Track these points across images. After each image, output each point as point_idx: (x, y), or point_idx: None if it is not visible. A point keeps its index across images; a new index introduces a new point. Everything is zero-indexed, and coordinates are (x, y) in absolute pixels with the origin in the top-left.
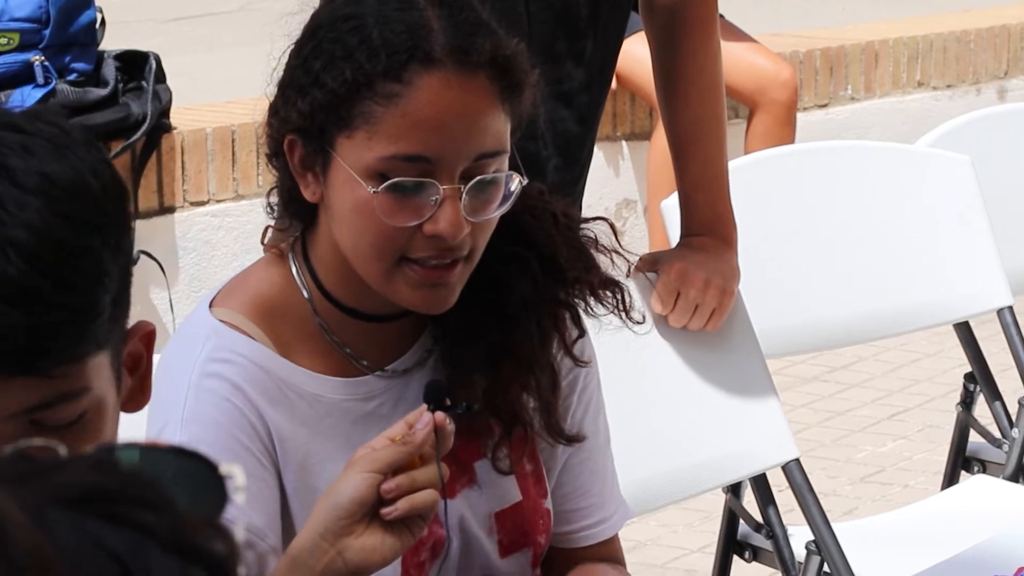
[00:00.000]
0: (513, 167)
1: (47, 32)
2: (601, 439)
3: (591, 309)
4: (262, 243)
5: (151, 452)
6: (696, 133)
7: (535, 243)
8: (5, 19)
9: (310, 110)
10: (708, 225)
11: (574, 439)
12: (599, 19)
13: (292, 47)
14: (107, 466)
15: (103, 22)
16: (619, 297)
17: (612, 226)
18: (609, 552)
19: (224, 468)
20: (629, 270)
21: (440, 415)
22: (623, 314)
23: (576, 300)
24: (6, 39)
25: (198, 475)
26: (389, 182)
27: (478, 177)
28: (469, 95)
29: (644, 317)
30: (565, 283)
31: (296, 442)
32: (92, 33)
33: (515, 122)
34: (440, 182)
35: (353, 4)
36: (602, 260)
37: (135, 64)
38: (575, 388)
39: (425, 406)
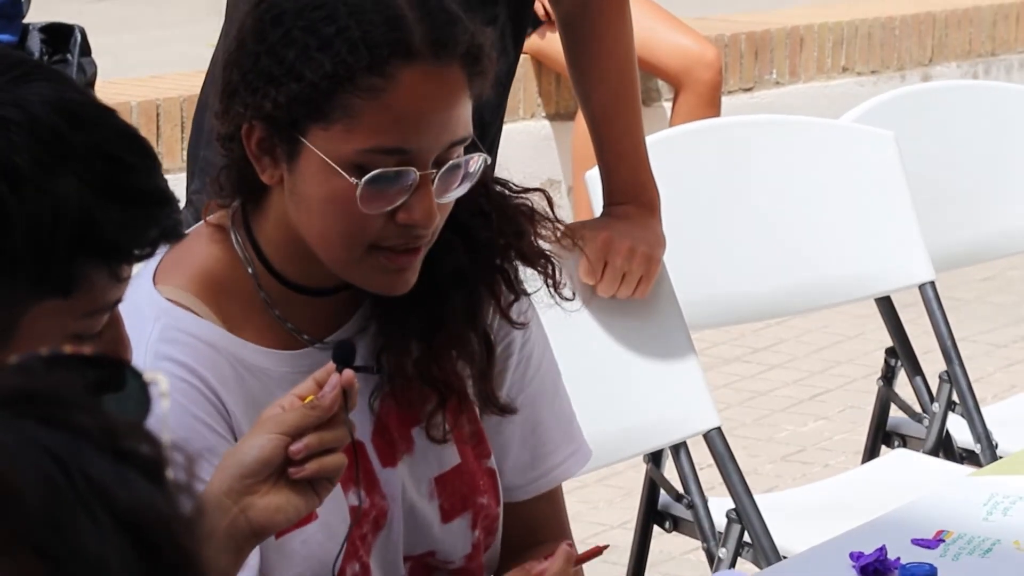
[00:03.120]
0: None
1: None
2: (546, 394)
3: (522, 285)
4: (204, 219)
5: (75, 359)
6: (615, 104)
7: (468, 211)
8: None
9: (287, 102)
10: (631, 193)
11: (507, 409)
12: None
13: (249, 30)
14: (34, 371)
15: None
16: (550, 271)
17: (548, 197)
18: (553, 509)
19: (147, 375)
20: (574, 241)
21: (348, 373)
22: (553, 289)
23: (509, 266)
24: None
25: (122, 379)
26: (374, 173)
27: (450, 162)
28: (445, 86)
29: (574, 294)
30: (497, 248)
31: (249, 417)
32: (17, 5)
33: (475, 103)
34: (416, 170)
35: None
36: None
37: (60, 37)
38: (514, 349)
39: (333, 365)
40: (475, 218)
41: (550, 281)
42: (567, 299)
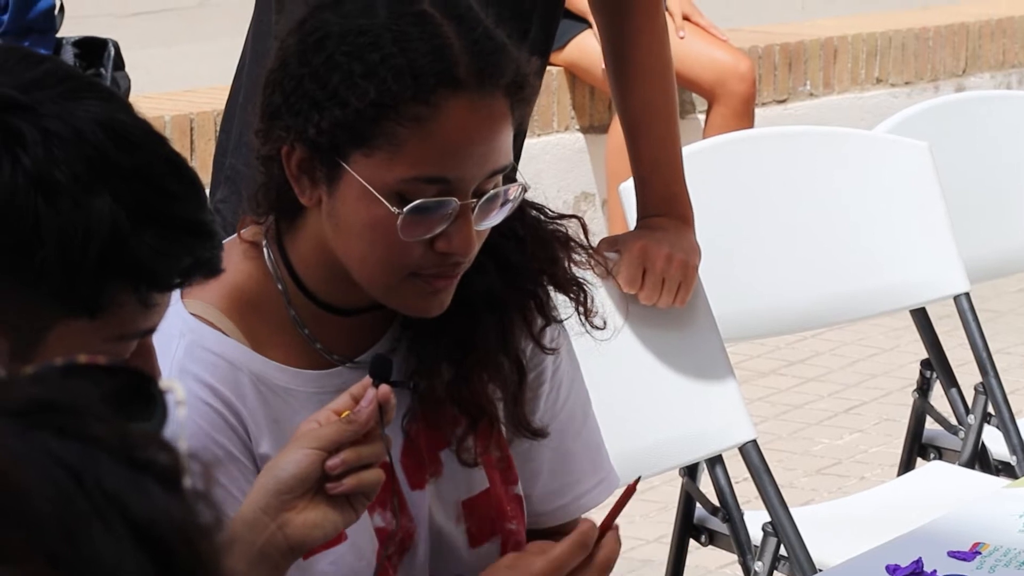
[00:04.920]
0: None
1: (5, 18)
2: (575, 422)
3: (553, 311)
4: (238, 235)
5: (91, 369)
6: (647, 115)
7: (501, 234)
8: None
9: (330, 127)
10: (665, 205)
11: (539, 433)
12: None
13: (292, 50)
14: (50, 381)
15: (61, 8)
16: (582, 299)
17: (583, 225)
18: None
19: (164, 383)
20: (608, 270)
21: (384, 388)
22: (584, 317)
23: (541, 291)
24: None
25: (138, 386)
26: (414, 204)
27: (490, 192)
28: (489, 116)
29: (604, 322)
30: (529, 273)
31: (272, 437)
32: (51, 19)
33: (515, 130)
34: (457, 199)
35: (363, 15)
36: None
37: (93, 51)
38: (545, 377)
39: (370, 380)
40: (508, 241)
41: (581, 309)
42: (597, 328)
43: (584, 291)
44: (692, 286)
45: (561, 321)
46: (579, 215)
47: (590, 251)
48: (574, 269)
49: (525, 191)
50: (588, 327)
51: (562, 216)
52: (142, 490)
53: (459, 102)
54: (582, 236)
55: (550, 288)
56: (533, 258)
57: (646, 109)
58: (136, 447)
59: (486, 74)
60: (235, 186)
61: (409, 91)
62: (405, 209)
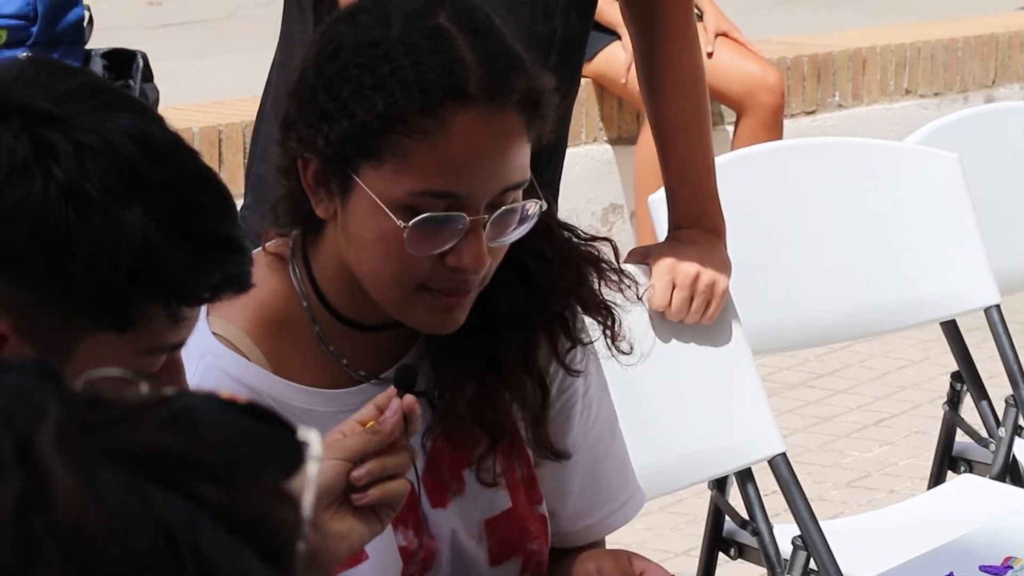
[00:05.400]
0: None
1: (35, 29)
2: (605, 441)
3: (580, 333)
4: (263, 248)
5: (227, 406)
6: (678, 126)
7: (529, 254)
8: None
9: (339, 139)
10: (695, 217)
11: (561, 455)
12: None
13: (310, 61)
14: (178, 424)
15: (90, 20)
16: (609, 322)
17: (615, 247)
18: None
19: (301, 433)
20: (638, 296)
21: (409, 398)
22: (610, 341)
23: (569, 312)
24: None
25: (272, 437)
26: (421, 217)
27: (502, 208)
28: (500, 131)
29: (632, 347)
30: (556, 294)
31: None
32: (80, 31)
33: (534, 147)
34: (467, 214)
35: (377, 27)
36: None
37: (122, 63)
38: (577, 397)
39: (395, 390)
40: (535, 261)
41: (608, 333)
42: (624, 352)
43: (612, 315)
44: (720, 305)
45: (588, 343)
46: (610, 237)
47: (622, 275)
48: (604, 292)
49: (543, 208)
50: (614, 351)
51: (594, 238)
52: (241, 562)
53: (467, 116)
54: (613, 259)
55: (578, 309)
56: (561, 278)
57: (678, 119)
58: (249, 510)
59: (496, 89)
60: (260, 194)
61: (416, 104)
62: (411, 223)
